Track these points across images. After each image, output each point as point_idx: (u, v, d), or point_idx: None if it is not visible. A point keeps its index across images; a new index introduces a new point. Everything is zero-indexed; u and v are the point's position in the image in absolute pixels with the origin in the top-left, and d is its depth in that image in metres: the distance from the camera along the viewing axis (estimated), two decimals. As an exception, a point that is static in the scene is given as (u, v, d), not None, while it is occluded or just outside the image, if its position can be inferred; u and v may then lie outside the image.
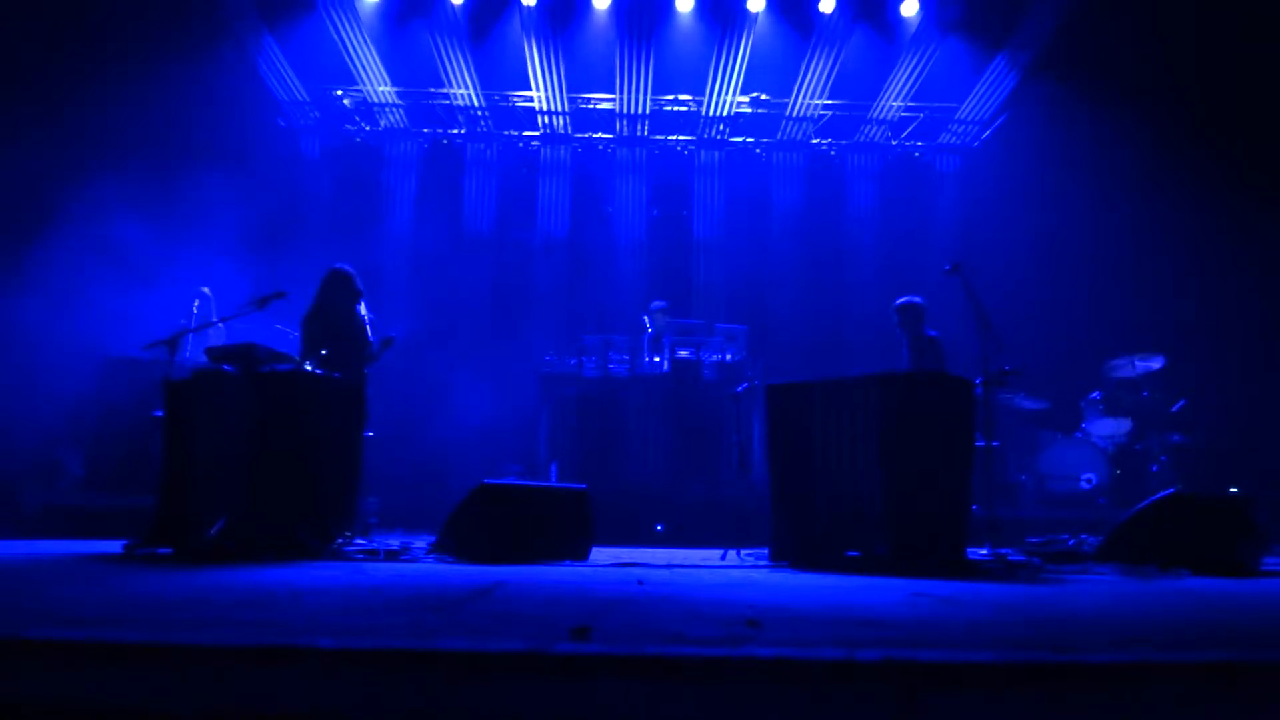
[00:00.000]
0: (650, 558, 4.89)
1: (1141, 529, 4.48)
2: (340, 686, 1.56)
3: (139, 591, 2.84)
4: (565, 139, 10.94)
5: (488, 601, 2.70)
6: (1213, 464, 7.70)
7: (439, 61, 9.50)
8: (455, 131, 10.82)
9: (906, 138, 10.81)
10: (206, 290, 7.48)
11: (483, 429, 8.88)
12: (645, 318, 8.13)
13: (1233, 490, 6.79)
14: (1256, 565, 4.49)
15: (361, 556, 4.53)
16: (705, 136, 10.84)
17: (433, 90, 10.17)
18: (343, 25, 9.08)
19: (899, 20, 9.31)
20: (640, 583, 3.40)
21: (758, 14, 9.05)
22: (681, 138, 10.96)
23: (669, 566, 4.35)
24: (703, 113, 10.35)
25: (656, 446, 7.51)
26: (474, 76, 9.77)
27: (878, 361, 7.16)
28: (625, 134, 10.82)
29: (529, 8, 8.92)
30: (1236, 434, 7.94)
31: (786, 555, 4.66)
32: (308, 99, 10.29)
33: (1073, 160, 9.18)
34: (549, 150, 11.02)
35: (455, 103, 10.26)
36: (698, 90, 10.06)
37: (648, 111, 10.37)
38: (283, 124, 10.50)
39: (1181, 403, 7.98)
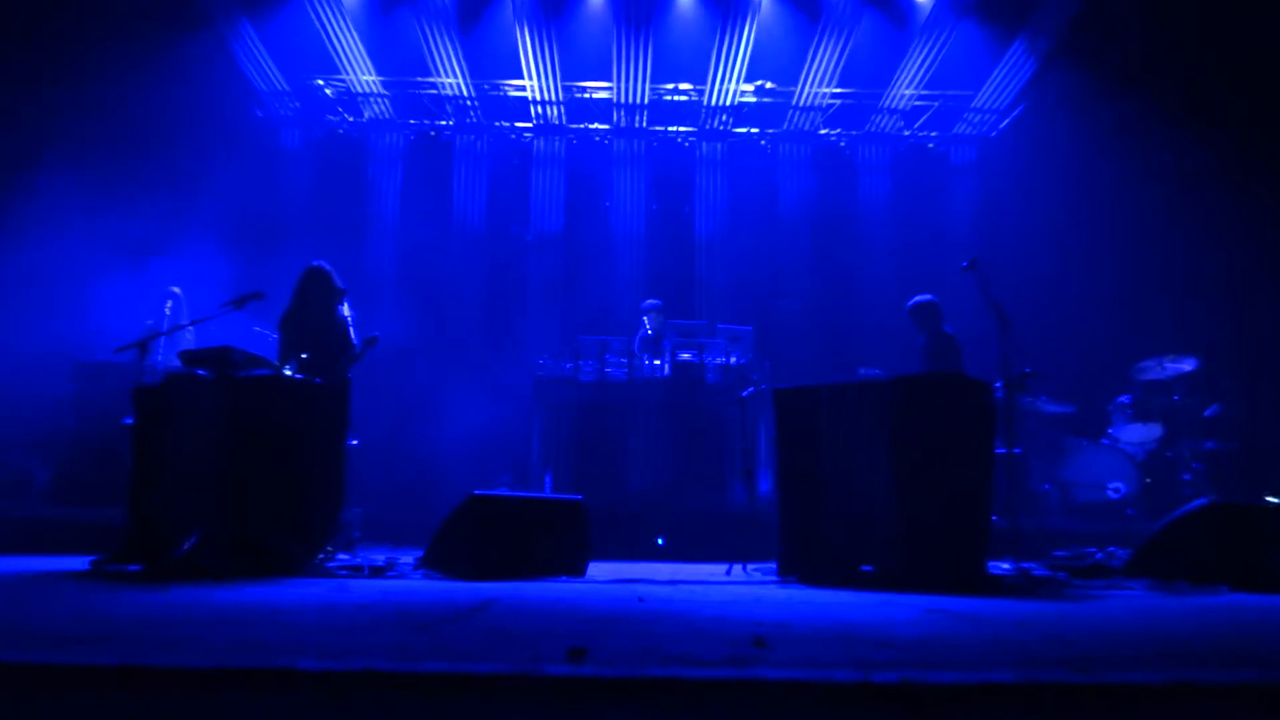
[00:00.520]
0: (651, 573, 4.89)
1: (1174, 541, 4.47)
2: (322, 711, 1.55)
3: (108, 611, 2.83)
4: (560, 130, 10.94)
5: (478, 620, 2.69)
6: (1249, 472, 7.67)
7: (426, 49, 9.49)
8: (443, 123, 10.82)
9: (920, 128, 10.81)
10: (178, 290, 7.48)
11: (473, 436, 8.86)
12: (644, 318, 8.13)
13: (1271, 500, 6.77)
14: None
15: (345, 573, 4.53)
16: (707, 127, 10.84)
17: (419, 79, 10.16)
18: (324, 11, 9.06)
19: (911, 4, 9.30)
20: (640, 600, 3.39)
21: (763, -3, 9.05)
22: (682, 129, 10.96)
23: (671, 582, 4.35)
24: (704, 102, 10.34)
25: (657, 455, 7.48)
26: (463, 65, 9.76)
27: (891, 363, 7.16)
28: (623, 125, 10.81)
29: (521, -9, 8.92)
30: (1274, 440, 7.91)
31: (795, 570, 4.65)
32: (288, 89, 10.29)
33: (1095, 151, 9.16)
34: (542, 142, 11.01)
35: (443, 92, 10.26)
36: (699, 79, 10.05)
37: (646, 101, 10.36)
38: (261, 115, 10.50)
39: (1215, 407, 7.95)
